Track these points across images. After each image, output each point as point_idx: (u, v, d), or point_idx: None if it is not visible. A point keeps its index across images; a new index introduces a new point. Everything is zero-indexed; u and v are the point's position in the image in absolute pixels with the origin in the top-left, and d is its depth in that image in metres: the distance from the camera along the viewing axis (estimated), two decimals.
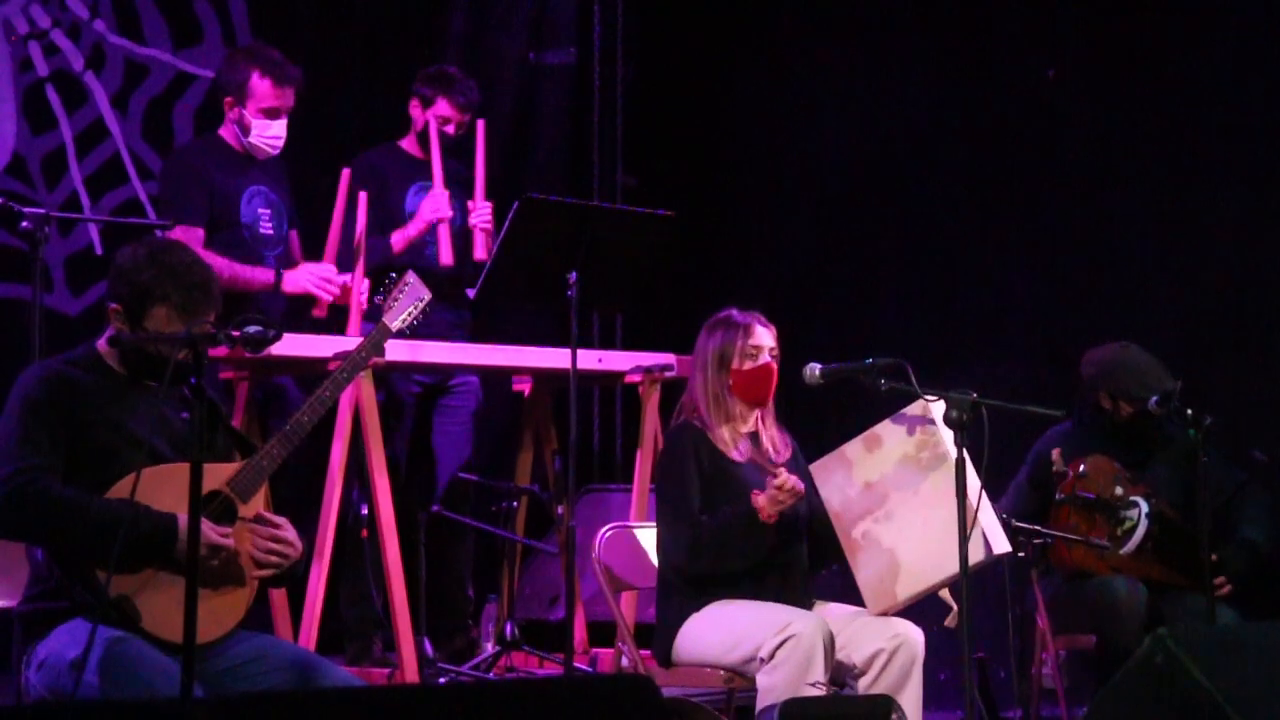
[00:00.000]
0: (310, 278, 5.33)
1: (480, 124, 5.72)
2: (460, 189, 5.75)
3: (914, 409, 4.41)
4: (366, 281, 5.37)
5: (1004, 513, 4.80)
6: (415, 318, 4.34)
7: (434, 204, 5.64)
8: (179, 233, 5.22)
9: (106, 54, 6.35)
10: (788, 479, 4.38)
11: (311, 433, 3.81)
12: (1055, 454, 4.99)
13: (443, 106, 5.75)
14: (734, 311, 4.65)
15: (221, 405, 3.92)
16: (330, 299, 5.35)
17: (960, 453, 4.14)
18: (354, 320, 5.32)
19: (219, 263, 5.25)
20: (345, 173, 5.39)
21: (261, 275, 5.32)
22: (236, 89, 5.37)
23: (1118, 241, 6.35)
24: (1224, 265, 6.14)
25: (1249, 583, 5.04)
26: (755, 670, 4.31)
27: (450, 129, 5.76)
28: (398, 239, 5.65)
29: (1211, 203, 6.19)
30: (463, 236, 5.77)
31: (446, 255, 5.62)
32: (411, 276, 4.34)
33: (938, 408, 4.35)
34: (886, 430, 4.46)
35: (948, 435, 4.35)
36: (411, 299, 4.32)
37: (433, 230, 5.68)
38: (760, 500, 4.41)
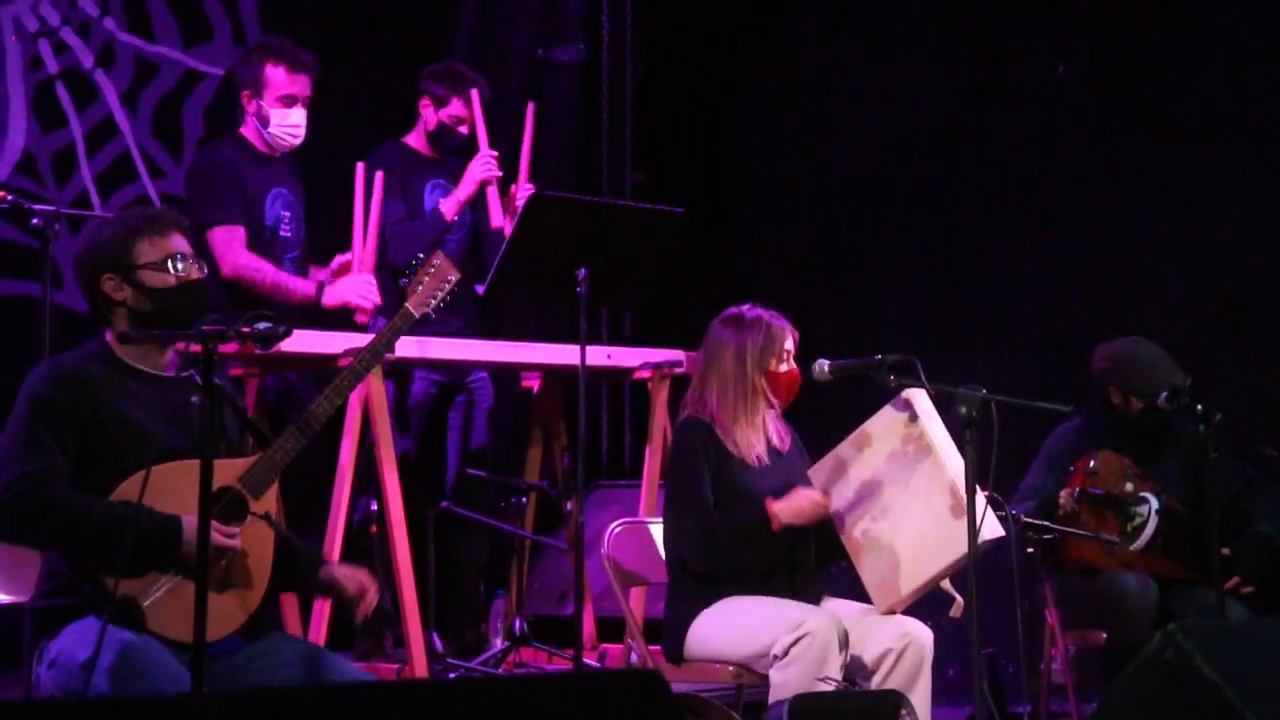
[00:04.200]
0: (349, 292, 5.26)
1: (530, 107, 5.70)
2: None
3: (896, 402, 4.42)
4: (370, 276, 5.36)
5: (1030, 498, 4.82)
6: (443, 300, 4.13)
7: (483, 164, 5.60)
8: (221, 234, 5.20)
9: (116, 52, 6.36)
10: (824, 499, 4.40)
11: (323, 430, 3.80)
12: (1065, 495, 4.95)
13: (457, 106, 5.75)
14: (761, 311, 4.61)
15: (238, 398, 3.91)
16: (372, 307, 5.29)
17: (950, 442, 4.15)
18: (361, 318, 5.32)
19: (265, 269, 5.24)
20: (379, 177, 5.31)
21: (303, 288, 5.29)
22: (252, 81, 5.37)
23: (1127, 236, 6.35)
24: (1233, 260, 6.13)
25: (1264, 578, 5.03)
26: (768, 666, 4.31)
27: (464, 129, 5.76)
28: (448, 206, 5.64)
29: (1221, 197, 6.18)
30: (473, 237, 5.78)
31: (497, 217, 5.59)
32: (439, 257, 4.16)
33: (919, 396, 4.37)
34: (874, 427, 4.48)
35: (930, 425, 4.37)
36: (439, 281, 4.12)
37: (453, 228, 5.70)
38: (776, 507, 4.41)
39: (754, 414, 4.57)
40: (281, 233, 5.41)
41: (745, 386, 4.55)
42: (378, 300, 5.30)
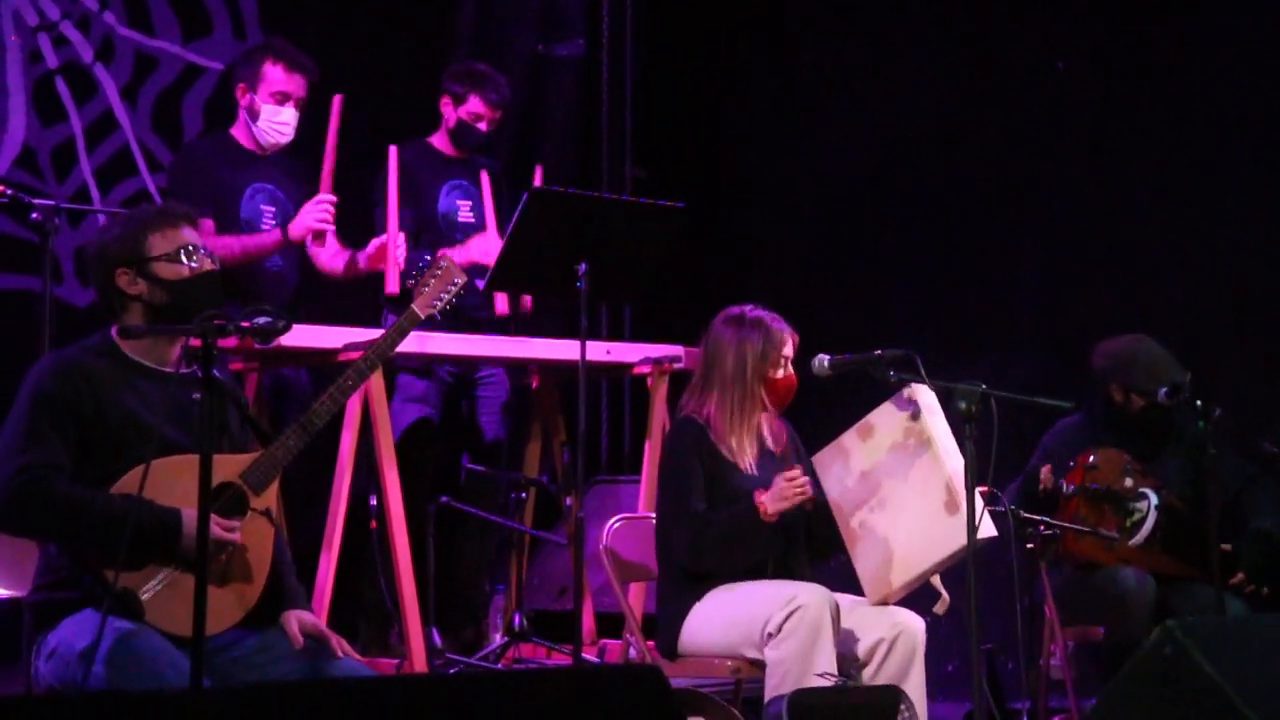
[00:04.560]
0: (308, 216, 5.30)
1: (538, 170, 5.70)
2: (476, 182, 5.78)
3: (901, 395, 4.43)
4: (402, 235, 5.38)
5: (1013, 500, 4.81)
6: (449, 303, 4.13)
7: (485, 247, 5.58)
8: None
9: (116, 46, 6.35)
10: (799, 475, 4.38)
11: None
12: (1045, 472, 4.96)
13: (475, 104, 5.76)
14: (763, 314, 4.61)
15: (240, 393, 3.92)
16: (330, 221, 5.29)
17: (951, 439, 4.14)
18: (391, 277, 5.32)
19: (229, 241, 5.29)
20: (337, 100, 5.34)
21: (269, 237, 5.35)
22: (249, 76, 5.43)
23: (1127, 233, 6.35)
24: (1234, 257, 6.13)
25: (1265, 574, 5.03)
26: (763, 646, 4.31)
27: (483, 125, 5.78)
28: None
29: (1222, 195, 6.18)
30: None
31: (501, 305, 5.62)
32: (446, 259, 4.17)
33: (923, 392, 4.38)
34: (878, 418, 4.49)
35: (931, 420, 4.38)
36: (445, 284, 4.11)
37: (468, 229, 5.71)
38: (764, 498, 4.41)
39: (749, 418, 4.58)
40: (262, 226, 5.44)
41: (743, 391, 4.55)
42: (331, 212, 5.29)
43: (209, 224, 5.28)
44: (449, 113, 5.81)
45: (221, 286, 3.76)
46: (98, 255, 3.72)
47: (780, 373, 4.57)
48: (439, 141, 5.85)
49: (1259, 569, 5.02)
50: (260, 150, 5.47)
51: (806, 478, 4.42)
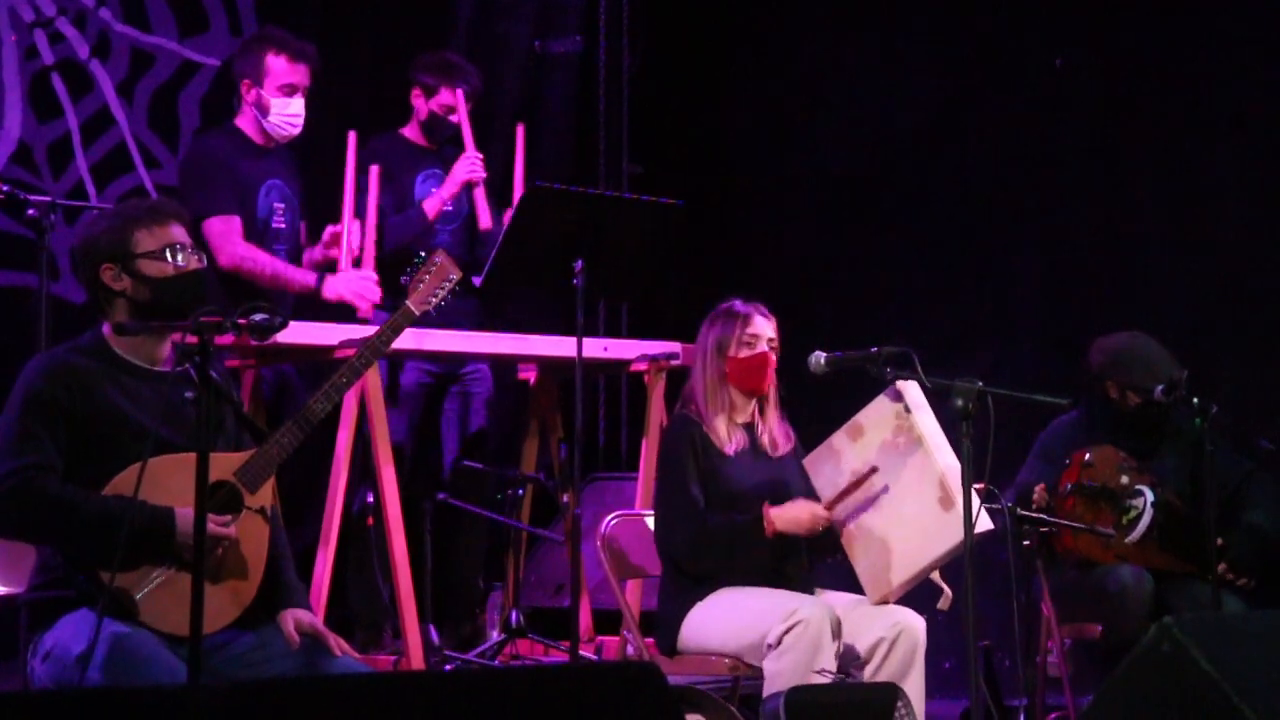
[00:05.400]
0: (349, 288, 5.25)
1: (520, 129, 5.70)
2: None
3: (888, 393, 4.44)
4: (358, 223, 5.34)
5: (1021, 487, 4.82)
6: (443, 300, 4.13)
7: (468, 165, 5.60)
8: (217, 224, 5.18)
9: (112, 42, 6.35)
10: (825, 515, 4.42)
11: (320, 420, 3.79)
12: (1039, 491, 4.95)
13: (446, 95, 5.73)
14: (736, 302, 4.66)
15: (234, 392, 3.91)
16: (369, 307, 5.26)
17: (941, 434, 4.14)
18: (344, 263, 5.27)
19: (263, 258, 5.24)
20: (351, 137, 5.28)
21: (302, 278, 5.28)
22: (252, 70, 5.36)
23: (1125, 230, 6.35)
24: (1231, 254, 6.13)
25: (1256, 569, 5.03)
26: (762, 656, 4.32)
27: (456, 117, 5.75)
28: (431, 204, 5.62)
29: (1219, 191, 6.19)
30: (469, 227, 5.77)
31: (485, 219, 5.59)
32: (440, 256, 4.16)
33: (910, 389, 4.38)
34: (867, 417, 4.49)
35: (920, 416, 4.38)
36: (440, 280, 4.11)
37: (448, 218, 5.69)
38: (774, 513, 4.42)
39: (728, 406, 4.60)
40: (274, 224, 5.40)
41: (715, 377, 4.60)
42: (377, 298, 5.29)
43: (237, 223, 5.25)
44: (420, 105, 5.78)
45: (206, 286, 3.72)
46: (84, 248, 3.71)
47: (745, 352, 4.58)
48: (410, 133, 5.82)
49: (1245, 562, 5.02)
50: (267, 142, 5.43)
51: (829, 516, 4.43)
